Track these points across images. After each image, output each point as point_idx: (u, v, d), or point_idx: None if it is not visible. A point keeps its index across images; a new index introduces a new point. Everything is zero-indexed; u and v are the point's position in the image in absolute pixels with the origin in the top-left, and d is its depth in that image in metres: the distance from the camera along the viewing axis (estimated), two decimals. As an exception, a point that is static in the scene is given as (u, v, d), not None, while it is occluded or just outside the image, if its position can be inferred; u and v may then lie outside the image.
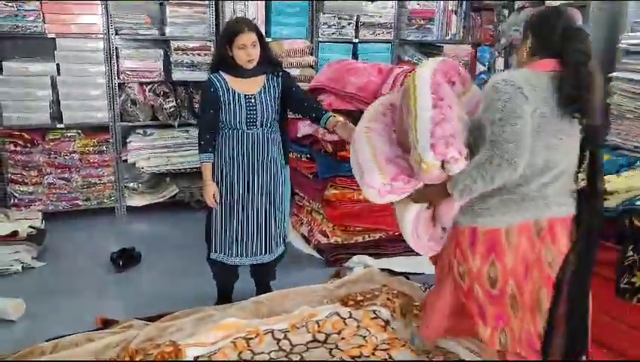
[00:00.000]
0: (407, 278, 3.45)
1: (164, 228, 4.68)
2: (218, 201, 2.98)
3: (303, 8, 5.19)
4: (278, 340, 2.69)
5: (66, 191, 4.68)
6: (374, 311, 2.91)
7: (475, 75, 5.54)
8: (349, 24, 5.32)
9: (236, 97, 2.92)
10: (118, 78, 4.73)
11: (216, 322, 2.84)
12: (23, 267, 3.73)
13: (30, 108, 4.49)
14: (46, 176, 4.59)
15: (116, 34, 4.67)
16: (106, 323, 2.97)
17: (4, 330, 3.01)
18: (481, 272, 2.02)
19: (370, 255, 3.84)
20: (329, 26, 5.27)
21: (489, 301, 2.04)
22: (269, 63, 3.01)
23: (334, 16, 5.26)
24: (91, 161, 4.73)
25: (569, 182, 2.02)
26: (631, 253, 2.25)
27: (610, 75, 3.82)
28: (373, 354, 2.60)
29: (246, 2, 4.93)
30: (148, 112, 4.84)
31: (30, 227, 4.03)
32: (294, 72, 4.79)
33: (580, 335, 2.06)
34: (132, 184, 4.98)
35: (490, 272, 2.01)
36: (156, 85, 4.85)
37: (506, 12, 5.13)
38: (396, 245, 3.88)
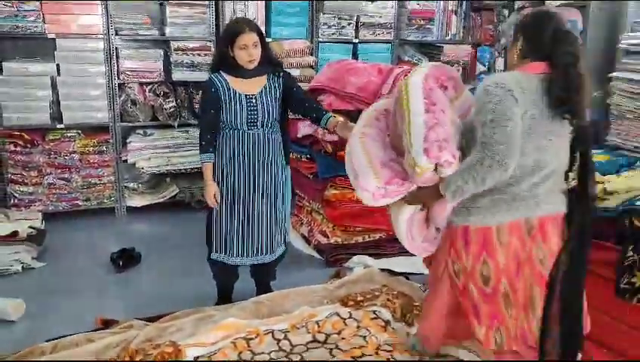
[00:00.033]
0: (407, 278, 3.45)
1: (164, 229, 4.68)
2: (219, 201, 2.98)
3: (302, 8, 5.18)
4: (278, 340, 2.69)
5: (66, 192, 4.68)
6: (374, 312, 2.91)
7: (475, 75, 5.54)
8: (349, 24, 5.33)
9: (237, 97, 2.92)
10: (118, 78, 4.73)
11: (216, 322, 2.84)
12: (23, 267, 3.73)
13: (30, 108, 4.49)
14: (46, 177, 4.60)
15: (116, 34, 4.67)
16: (106, 324, 2.97)
17: (4, 330, 3.01)
18: (475, 270, 2.06)
19: (370, 255, 3.84)
20: (329, 26, 5.27)
21: (483, 299, 2.07)
22: (269, 64, 3.01)
23: (334, 17, 5.26)
24: (91, 161, 4.73)
25: (559, 181, 2.06)
26: (631, 253, 2.25)
27: (610, 75, 3.83)
28: (376, 353, 2.60)
29: (246, 2, 4.93)
30: (148, 112, 4.84)
31: (30, 227, 4.03)
32: (294, 72, 4.79)
33: (575, 334, 2.09)
34: (132, 184, 4.98)
35: (482, 270, 2.06)
36: (156, 85, 4.86)
37: (506, 12, 5.13)
38: (396, 245, 3.85)
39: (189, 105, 4.95)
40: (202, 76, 4.86)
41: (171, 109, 4.85)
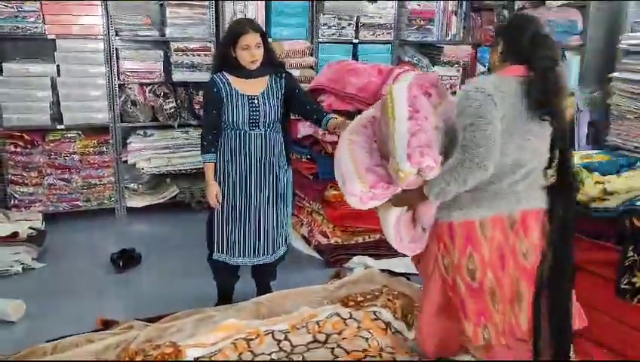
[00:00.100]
0: (408, 279, 3.45)
1: (164, 229, 4.68)
2: (220, 202, 2.98)
3: (303, 9, 5.19)
4: (279, 341, 2.68)
5: (66, 192, 4.68)
6: (375, 313, 2.90)
7: (475, 76, 5.54)
8: (349, 25, 5.33)
9: (239, 98, 2.92)
10: (118, 78, 4.73)
11: (216, 323, 2.84)
12: (23, 268, 3.73)
13: (30, 109, 4.49)
14: (46, 177, 4.60)
15: (116, 35, 4.68)
16: (106, 324, 2.97)
17: (4, 331, 3.01)
18: (461, 264, 2.13)
19: (370, 255, 3.84)
20: (329, 27, 5.27)
21: (470, 295, 2.13)
22: (271, 64, 3.01)
23: (334, 17, 5.26)
24: (91, 161, 4.73)
25: (539, 178, 2.12)
26: (631, 253, 2.25)
27: (610, 75, 3.83)
28: (379, 354, 2.59)
29: (246, 3, 4.93)
30: (148, 113, 4.85)
31: (30, 228, 4.03)
32: (294, 72, 4.78)
33: (564, 331, 2.13)
34: (132, 185, 4.98)
35: (469, 264, 2.12)
36: (156, 86, 4.86)
37: (506, 12, 5.14)
38: (396, 246, 3.88)
39: (189, 105, 4.96)
40: (202, 77, 4.88)
41: (171, 110, 4.85)
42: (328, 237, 4.01)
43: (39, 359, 2.59)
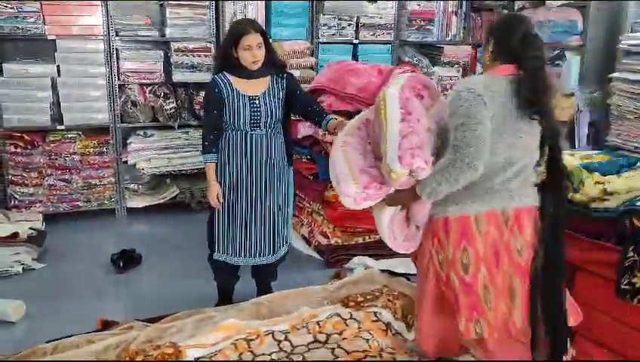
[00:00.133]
0: (408, 279, 3.44)
1: (164, 230, 4.68)
2: (222, 202, 2.98)
3: (303, 9, 5.19)
4: (279, 341, 2.68)
5: (66, 193, 4.68)
6: (375, 313, 2.90)
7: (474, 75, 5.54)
8: (349, 25, 5.33)
9: (240, 98, 2.92)
10: (119, 79, 4.73)
11: (216, 323, 2.83)
12: (23, 268, 3.74)
13: (30, 109, 4.50)
14: (46, 178, 4.60)
15: (116, 35, 4.68)
16: (107, 325, 2.97)
17: (4, 332, 3.01)
18: (455, 259, 2.15)
19: (370, 256, 3.84)
20: (329, 27, 5.27)
21: (463, 289, 2.15)
22: (273, 65, 3.01)
23: (334, 18, 5.27)
24: (92, 162, 4.73)
25: (531, 176, 2.17)
26: (631, 253, 2.25)
27: (610, 75, 3.83)
28: (380, 355, 2.59)
29: (246, 3, 4.93)
30: (148, 113, 4.85)
31: (31, 228, 4.03)
32: (294, 73, 4.78)
33: (560, 327, 2.15)
34: (132, 185, 4.98)
35: (463, 258, 2.14)
36: (156, 86, 4.86)
37: (506, 13, 5.13)
38: (396, 246, 3.88)
39: (189, 106, 4.96)
40: (202, 77, 4.88)
41: (171, 110, 4.85)
42: (328, 238, 4.01)
43: (40, 358, 2.59)
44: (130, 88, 4.80)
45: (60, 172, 4.63)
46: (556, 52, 4.29)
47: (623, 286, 2.27)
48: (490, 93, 2.02)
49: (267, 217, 3.05)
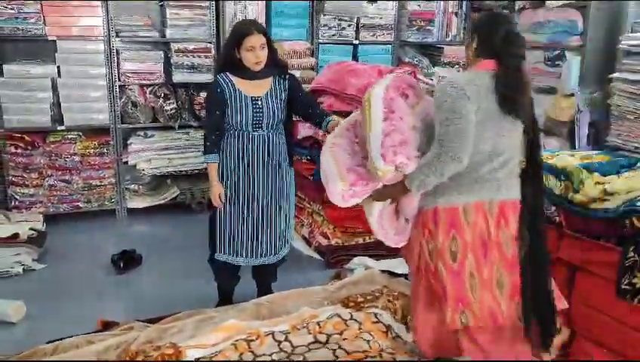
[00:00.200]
0: (408, 279, 3.44)
1: (164, 230, 4.68)
2: (224, 202, 2.98)
3: (303, 10, 5.19)
4: (279, 342, 2.68)
5: (66, 194, 4.68)
6: (375, 315, 2.90)
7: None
8: (350, 26, 5.33)
9: (242, 99, 2.92)
10: (119, 80, 4.73)
11: (217, 324, 2.84)
12: (23, 269, 3.74)
13: (31, 110, 4.50)
14: (47, 178, 4.60)
15: (117, 36, 4.68)
16: (107, 325, 2.97)
17: (4, 332, 3.02)
18: (444, 247, 2.21)
19: (370, 256, 3.84)
20: (329, 28, 5.28)
21: (451, 279, 2.20)
22: (275, 66, 3.01)
23: (334, 18, 5.27)
24: (92, 163, 4.73)
25: (516, 168, 2.23)
26: (632, 253, 2.25)
27: (611, 75, 3.83)
28: (380, 355, 2.60)
29: (246, 4, 4.93)
30: (148, 114, 4.85)
31: (31, 229, 4.03)
32: (295, 73, 4.79)
33: (549, 315, 2.21)
34: (133, 186, 4.98)
35: (451, 246, 2.20)
36: (157, 87, 4.86)
37: (513, 15, 5.13)
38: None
39: (189, 106, 4.96)
40: (203, 78, 4.88)
41: (172, 111, 4.85)
42: (329, 238, 4.01)
43: (40, 359, 2.59)
44: (130, 89, 4.81)
45: (60, 173, 4.64)
46: (556, 52, 4.28)
47: (623, 287, 2.27)
48: (474, 87, 2.09)
49: (269, 218, 3.05)
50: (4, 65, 4.43)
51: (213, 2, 4.89)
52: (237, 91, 2.92)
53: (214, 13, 4.91)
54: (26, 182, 4.55)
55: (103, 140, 4.75)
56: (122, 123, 4.80)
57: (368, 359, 2.57)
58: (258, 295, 3.25)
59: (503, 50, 2.12)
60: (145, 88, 4.86)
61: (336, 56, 5.22)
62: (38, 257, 3.91)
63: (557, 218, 2.64)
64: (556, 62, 4.28)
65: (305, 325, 2.81)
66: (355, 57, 5.38)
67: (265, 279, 3.29)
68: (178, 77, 4.87)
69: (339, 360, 2.56)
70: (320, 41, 5.27)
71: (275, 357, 2.58)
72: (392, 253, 3.87)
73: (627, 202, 2.33)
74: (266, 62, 2.92)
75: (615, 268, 2.30)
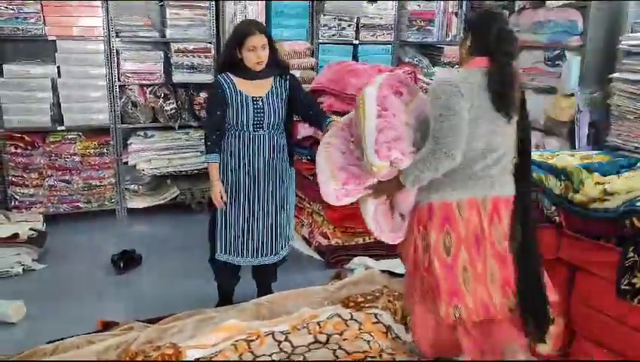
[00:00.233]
0: (407, 279, 3.45)
1: (164, 230, 4.68)
2: (225, 202, 2.98)
3: (303, 10, 5.19)
4: (279, 342, 2.69)
5: (66, 194, 4.68)
6: (375, 315, 2.90)
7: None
8: (350, 26, 5.33)
9: (243, 99, 2.92)
10: (119, 80, 4.73)
11: (217, 324, 2.84)
12: (23, 269, 3.74)
13: (31, 110, 4.50)
14: (47, 179, 4.60)
15: (117, 36, 4.68)
16: (107, 326, 2.97)
17: (4, 332, 3.02)
18: (438, 242, 2.23)
19: (370, 256, 3.84)
20: (329, 28, 5.28)
21: (444, 273, 2.22)
22: (277, 66, 3.02)
23: (334, 18, 5.27)
24: (92, 163, 4.73)
25: (510, 165, 2.26)
26: (631, 254, 2.24)
27: (611, 75, 3.82)
28: (380, 355, 2.60)
29: (246, 4, 4.93)
30: (148, 114, 4.85)
31: (31, 229, 4.03)
32: (295, 73, 4.79)
33: (540, 306, 2.25)
34: (133, 186, 4.98)
35: (445, 241, 2.23)
36: (157, 87, 4.86)
37: (506, 13, 5.13)
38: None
39: (189, 107, 4.96)
40: (202, 78, 4.88)
41: (172, 111, 4.85)
42: (329, 238, 4.01)
43: (40, 359, 2.59)
44: (130, 89, 4.81)
45: (60, 173, 4.64)
46: (556, 52, 4.28)
47: (623, 287, 2.26)
48: (467, 84, 2.12)
49: (269, 218, 3.05)
50: (4, 66, 4.43)
51: (213, 2, 4.89)
52: (238, 91, 2.92)
53: (214, 13, 4.91)
54: (26, 182, 4.55)
55: (102, 140, 4.75)
56: (122, 123, 4.80)
57: (368, 359, 2.57)
58: (258, 295, 3.25)
59: (495, 47, 2.15)
60: (145, 88, 4.86)
61: (336, 56, 5.22)
62: (38, 257, 3.91)
63: (557, 218, 2.63)
64: (556, 62, 4.28)
65: (305, 325, 2.81)
66: (355, 57, 5.38)
67: (265, 279, 3.29)
68: (178, 77, 4.87)
69: (339, 360, 2.57)
70: (320, 41, 5.27)
71: (275, 357, 2.58)
72: (393, 253, 3.89)
73: (627, 202, 2.32)
74: (267, 62, 2.92)
75: (615, 268, 2.30)
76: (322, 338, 2.74)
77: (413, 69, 4.62)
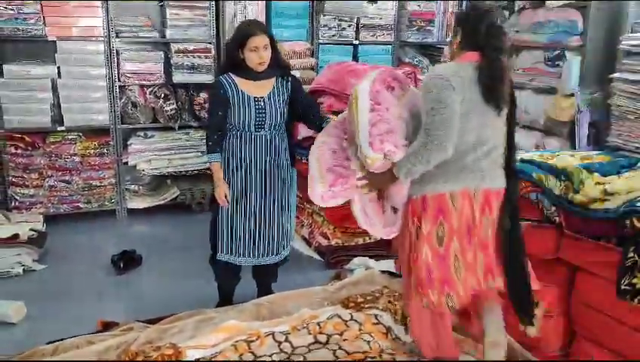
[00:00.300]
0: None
1: (164, 231, 4.68)
2: (229, 200, 2.98)
3: (303, 10, 5.19)
4: (279, 342, 2.68)
5: (67, 194, 4.68)
6: (376, 316, 2.90)
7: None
8: (350, 26, 5.33)
9: (245, 99, 2.92)
10: (119, 80, 4.73)
11: (217, 324, 2.84)
12: (24, 269, 3.74)
13: (31, 111, 4.50)
14: (47, 179, 4.60)
15: (117, 36, 4.68)
16: (107, 326, 2.97)
17: (4, 333, 3.02)
18: (431, 233, 2.28)
19: (370, 256, 3.84)
20: (329, 28, 5.28)
21: (437, 263, 2.27)
22: (278, 66, 3.01)
23: (334, 18, 5.27)
24: (92, 163, 4.73)
25: (499, 158, 2.30)
26: (632, 254, 2.24)
27: (611, 75, 3.82)
28: (379, 356, 2.60)
29: (246, 4, 4.93)
30: (148, 115, 4.85)
31: (31, 230, 4.03)
32: (295, 74, 4.79)
33: (525, 293, 2.32)
34: (133, 186, 4.98)
35: (438, 231, 2.27)
36: (157, 87, 4.86)
37: (506, 13, 5.13)
38: (397, 247, 3.87)
39: (189, 107, 4.96)
40: (202, 78, 4.89)
41: (172, 111, 4.85)
42: (329, 239, 4.01)
43: (40, 359, 2.59)
44: (130, 89, 4.81)
45: (60, 173, 4.64)
46: (556, 52, 4.28)
47: (623, 287, 2.27)
48: (459, 78, 2.16)
49: (271, 218, 3.05)
50: (4, 66, 4.43)
51: (213, 3, 4.89)
52: (240, 92, 2.92)
53: (214, 13, 4.91)
54: (26, 183, 4.55)
55: (103, 141, 4.75)
56: (122, 123, 4.80)
57: (368, 360, 2.57)
58: (258, 295, 3.25)
59: (485, 42, 2.19)
60: (145, 89, 4.86)
61: (336, 56, 5.22)
62: (39, 258, 3.91)
63: (557, 218, 2.64)
64: (556, 63, 4.27)
65: (305, 325, 2.81)
66: (355, 57, 5.39)
67: (265, 279, 3.29)
68: (178, 77, 4.87)
69: (339, 360, 2.57)
70: (320, 41, 5.27)
71: (275, 357, 2.58)
72: (393, 253, 3.89)
73: (627, 202, 2.33)
74: (269, 62, 2.92)
75: (615, 268, 2.30)
76: (322, 338, 2.74)
77: (413, 70, 4.64)
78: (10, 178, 4.53)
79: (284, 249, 3.16)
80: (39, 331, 2.99)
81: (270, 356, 2.59)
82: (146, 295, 3.53)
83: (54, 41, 4.51)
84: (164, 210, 4.95)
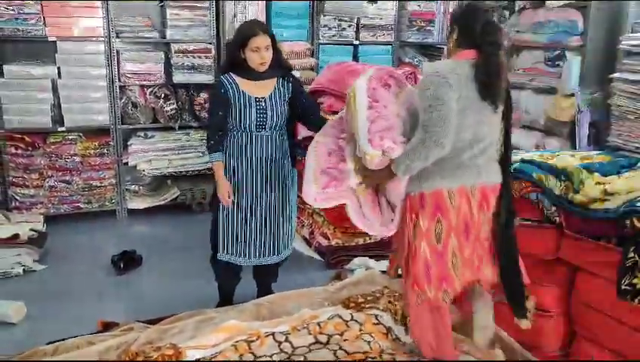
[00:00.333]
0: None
1: (165, 231, 4.68)
2: (232, 199, 2.98)
3: (303, 10, 5.19)
4: (280, 342, 2.68)
5: (67, 194, 4.69)
6: (376, 316, 2.90)
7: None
8: (350, 26, 5.33)
9: (247, 99, 2.92)
10: (119, 80, 4.73)
11: (217, 324, 2.83)
12: (24, 270, 3.74)
13: (31, 111, 4.50)
14: (47, 179, 4.60)
15: (117, 37, 4.68)
16: (107, 326, 2.97)
17: (4, 333, 3.02)
18: (429, 230, 2.30)
19: (371, 257, 3.84)
20: (329, 28, 5.28)
21: (435, 260, 2.29)
22: (280, 67, 3.01)
23: (335, 19, 5.27)
24: (92, 163, 4.74)
25: (496, 154, 2.34)
26: (632, 254, 2.24)
27: (611, 75, 3.82)
28: (380, 356, 2.60)
29: (246, 4, 4.93)
30: (149, 115, 4.85)
31: (31, 230, 4.03)
32: (294, 74, 4.79)
33: (517, 286, 2.36)
34: (133, 187, 4.98)
35: (436, 228, 2.29)
36: (157, 88, 4.86)
37: (506, 13, 5.13)
38: (397, 247, 3.87)
39: (189, 107, 4.96)
40: (203, 78, 4.89)
41: (172, 111, 4.85)
42: (329, 239, 4.01)
43: (41, 359, 2.59)
44: (130, 90, 4.81)
45: (60, 173, 4.64)
46: (556, 52, 4.28)
47: (623, 287, 2.26)
48: (455, 75, 2.17)
49: (271, 218, 3.05)
50: (4, 66, 4.43)
51: (213, 3, 4.89)
52: (241, 92, 2.92)
53: (214, 13, 4.91)
54: (27, 183, 4.56)
55: (103, 141, 4.76)
56: (122, 124, 4.81)
57: (368, 360, 2.57)
58: (258, 295, 3.25)
59: (482, 40, 2.21)
60: (145, 89, 4.86)
61: (336, 56, 5.22)
62: (39, 258, 3.91)
63: (557, 218, 2.64)
64: (556, 63, 4.28)
65: (305, 326, 2.81)
66: (355, 58, 5.39)
67: (266, 279, 3.29)
68: (178, 77, 4.87)
69: (339, 360, 2.56)
70: (320, 41, 5.27)
71: (275, 357, 2.58)
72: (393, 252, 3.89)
73: (627, 202, 2.32)
74: (270, 63, 2.92)
75: (615, 268, 2.30)
76: (323, 338, 2.73)
77: (414, 70, 4.63)
78: (11, 178, 4.54)
79: (285, 249, 3.17)
80: (39, 331, 2.99)
81: (270, 356, 2.59)
82: (147, 295, 3.53)
83: (54, 42, 4.51)
84: (164, 211, 4.95)
